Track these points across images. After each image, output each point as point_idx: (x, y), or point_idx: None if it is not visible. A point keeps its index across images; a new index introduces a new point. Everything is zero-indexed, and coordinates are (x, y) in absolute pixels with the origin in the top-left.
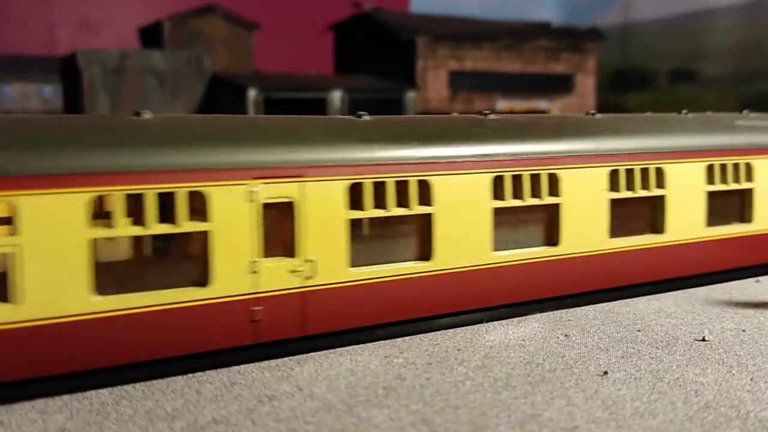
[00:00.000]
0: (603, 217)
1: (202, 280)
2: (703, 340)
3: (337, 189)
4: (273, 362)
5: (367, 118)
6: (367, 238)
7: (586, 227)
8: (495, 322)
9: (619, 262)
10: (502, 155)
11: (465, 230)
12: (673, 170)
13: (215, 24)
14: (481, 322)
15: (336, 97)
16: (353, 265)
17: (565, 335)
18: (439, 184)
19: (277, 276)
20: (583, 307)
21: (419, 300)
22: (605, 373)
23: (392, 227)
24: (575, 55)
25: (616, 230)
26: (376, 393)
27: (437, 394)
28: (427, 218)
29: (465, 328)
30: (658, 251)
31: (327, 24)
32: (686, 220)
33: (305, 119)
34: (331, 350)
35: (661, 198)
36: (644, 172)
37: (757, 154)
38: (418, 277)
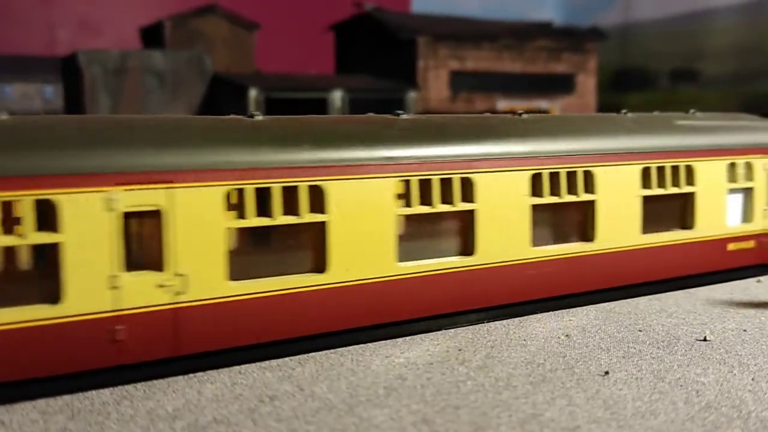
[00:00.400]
0: (524, 224)
1: (54, 297)
2: (705, 340)
3: (213, 196)
4: (274, 362)
5: (259, 117)
6: (254, 249)
7: (505, 235)
8: (496, 322)
9: (543, 272)
10: (408, 158)
11: (365, 240)
12: (604, 174)
13: (216, 24)
14: (482, 321)
15: (337, 97)
16: (234, 279)
17: (566, 335)
18: (335, 189)
19: (143, 292)
20: (584, 307)
21: (311, 315)
22: (606, 373)
23: (282, 237)
24: (576, 55)
25: (540, 238)
26: (377, 393)
27: (438, 394)
28: (321, 227)
29: (466, 327)
30: (587, 260)
31: (328, 24)
32: (619, 226)
33: (182, 119)
34: (333, 350)
35: (591, 203)
36: (571, 175)
37: (699, 156)
38: (311, 290)
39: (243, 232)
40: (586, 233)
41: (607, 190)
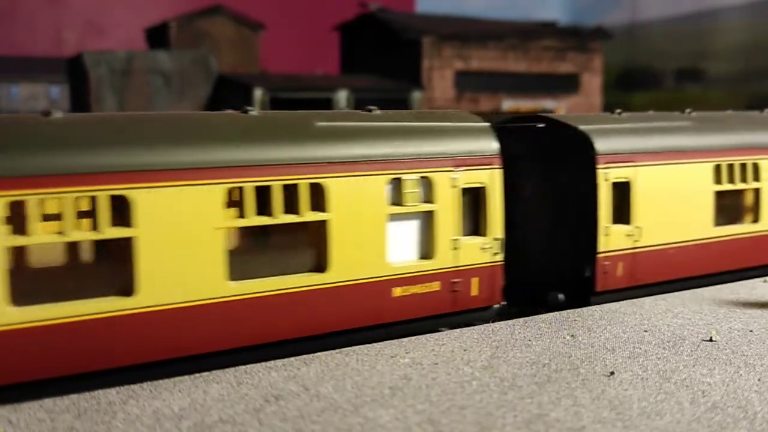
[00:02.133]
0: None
1: None
2: (711, 340)
3: None
4: (279, 362)
5: None
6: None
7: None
8: (501, 322)
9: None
10: None
11: None
12: (148, 199)
13: (221, 24)
14: (487, 321)
15: (342, 97)
16: None
17: (572, 335)
18: None
19: None
20: (589, 308)
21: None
22: (612, 373)
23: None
24: (581, 55)
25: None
26: (382, 393)
27: (443, 394)
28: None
29: (471, 328)
30: (127, 322)
31: (333, 24)
32: (186, 275)
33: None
34: (338, 350)
35: (128, 242)
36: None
37: (335, 170)
38: None
39: None
40: (126, 285)
41: (156, 222)
